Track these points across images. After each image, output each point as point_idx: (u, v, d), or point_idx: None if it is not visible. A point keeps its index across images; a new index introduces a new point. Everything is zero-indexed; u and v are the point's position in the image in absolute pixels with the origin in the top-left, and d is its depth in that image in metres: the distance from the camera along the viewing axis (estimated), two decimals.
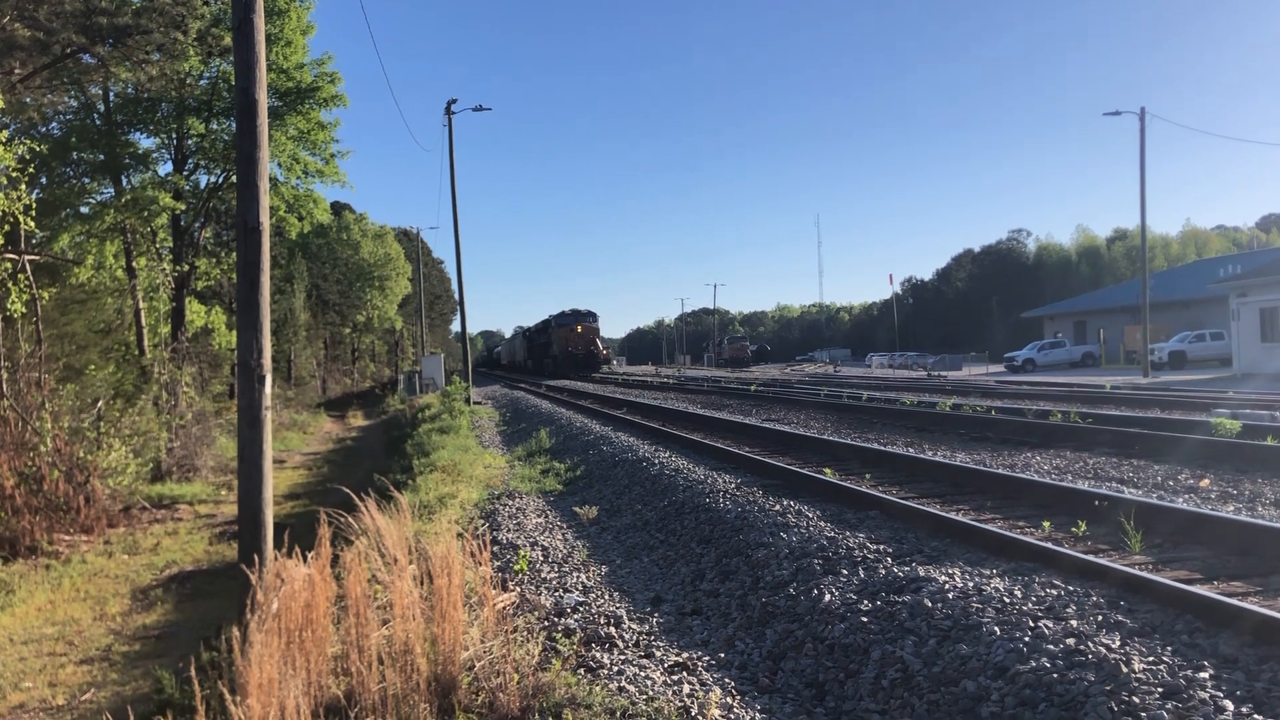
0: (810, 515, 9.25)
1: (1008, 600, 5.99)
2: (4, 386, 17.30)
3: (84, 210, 29.01)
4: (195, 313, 33.14)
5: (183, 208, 30.43)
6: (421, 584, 5.80)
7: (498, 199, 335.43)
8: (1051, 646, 5.17)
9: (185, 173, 31.43)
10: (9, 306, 17.48)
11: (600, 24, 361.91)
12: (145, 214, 28.36)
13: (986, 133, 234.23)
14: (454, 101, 37.89)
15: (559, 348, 62.01)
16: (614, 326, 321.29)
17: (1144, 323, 42.34)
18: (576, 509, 12.27)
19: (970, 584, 6.42)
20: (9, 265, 17.89)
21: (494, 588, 6.04)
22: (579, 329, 61.70)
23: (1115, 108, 43.41)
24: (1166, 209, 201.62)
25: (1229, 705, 4.39)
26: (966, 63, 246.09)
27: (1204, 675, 4.69)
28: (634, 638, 6.87)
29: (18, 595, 12.49)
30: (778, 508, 9.68)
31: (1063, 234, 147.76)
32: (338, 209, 64.89)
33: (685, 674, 6.11)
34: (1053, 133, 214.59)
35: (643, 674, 5.95)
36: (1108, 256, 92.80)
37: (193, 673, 4.72)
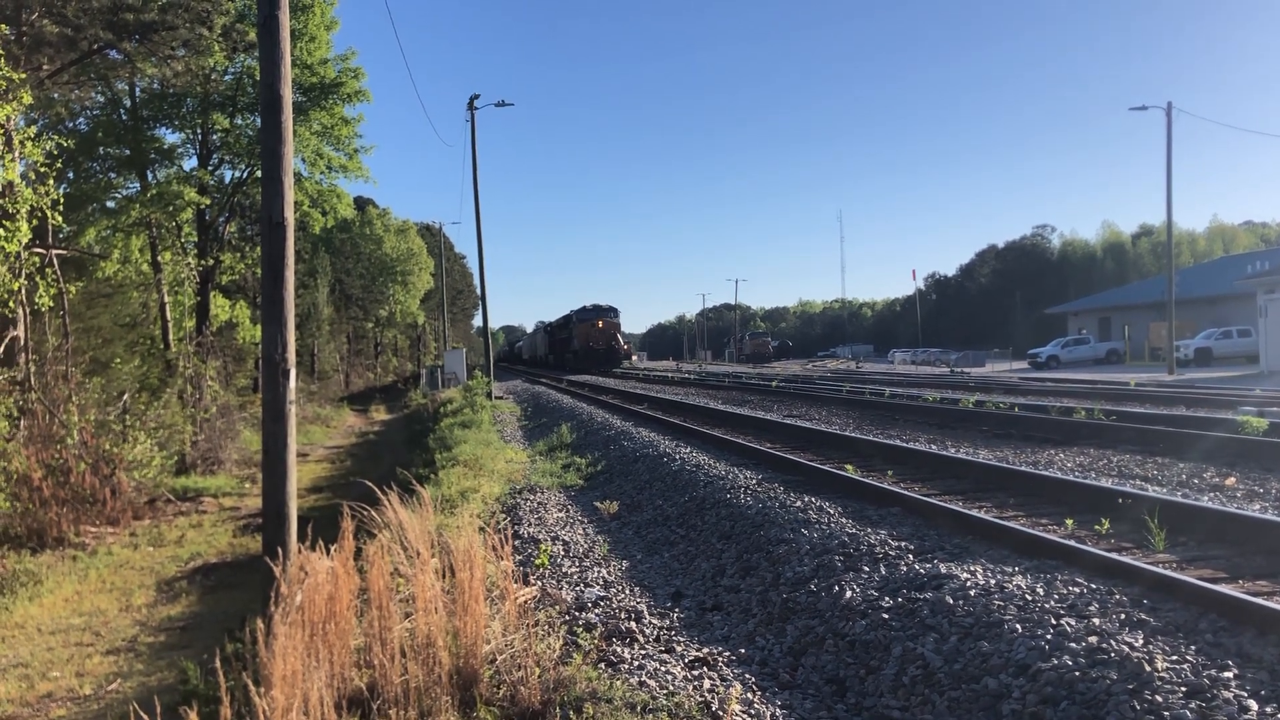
0: (832, 511, 9.24)
1: (1030, 598, 5.97)
2: (32, 379, 17.49)
3: (110, 205, 29.28)
4: (220, 307, 33.38)
5: (207, 202, 30.65)
6: (444, 577, 5.84)
7: (519, 193, 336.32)
8: (1074, 645, 5.15)
9: (210, 168, 31.66)
10: (37, 300, 17.66)
11: (622, 16, 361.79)
12: (170, 209, 28.59)
13: (1011, 127, 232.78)
14: (476, 97, 38.02)
15: (580, 343, 62.05)
16: (635, 322, 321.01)
17: (1169, 319, 41.98)
18: (598, 504, 12.30)
19: (992, 581, 6.39)
20: (37, 259, 18.07)
21: (515, 582, 6.07)
22: (600, 324, 61.72)
23: (1140, 100, 43.10)
24: (1193, 204, 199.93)
25: (1253, 705, 4.36)
26: (990, 56, 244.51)
27: (1228, 675, 4.65)
28: (655, 633, 6.88)
29: (45, 586, 12.64)
30: (799, 504, 9.67)
31: (1088, 230, 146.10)
32: (361, 204, 65.24)
33: (706, 669, 6.11)
34: (1078, 127, 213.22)
35: (663, 669, 5.96)
36: (1133, 252, 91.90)
37: (217, 664, 4.76)
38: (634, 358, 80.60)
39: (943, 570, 6.78)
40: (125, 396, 20.32)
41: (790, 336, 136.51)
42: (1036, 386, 29.08)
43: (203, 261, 31.20)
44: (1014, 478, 10.42)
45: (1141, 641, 5.12)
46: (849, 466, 11.85)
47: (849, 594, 6.84)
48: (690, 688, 5.65)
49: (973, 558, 7.20)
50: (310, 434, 34.56)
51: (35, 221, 16.98)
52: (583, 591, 7.93)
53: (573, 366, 62.06)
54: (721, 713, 5.26)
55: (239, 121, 30.98)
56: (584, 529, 11.09)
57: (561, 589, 7.94)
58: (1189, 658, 4.90)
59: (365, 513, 6.96)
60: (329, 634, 5.25)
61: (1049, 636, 5.32)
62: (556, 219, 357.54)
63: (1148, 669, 4.74)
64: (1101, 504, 8.64)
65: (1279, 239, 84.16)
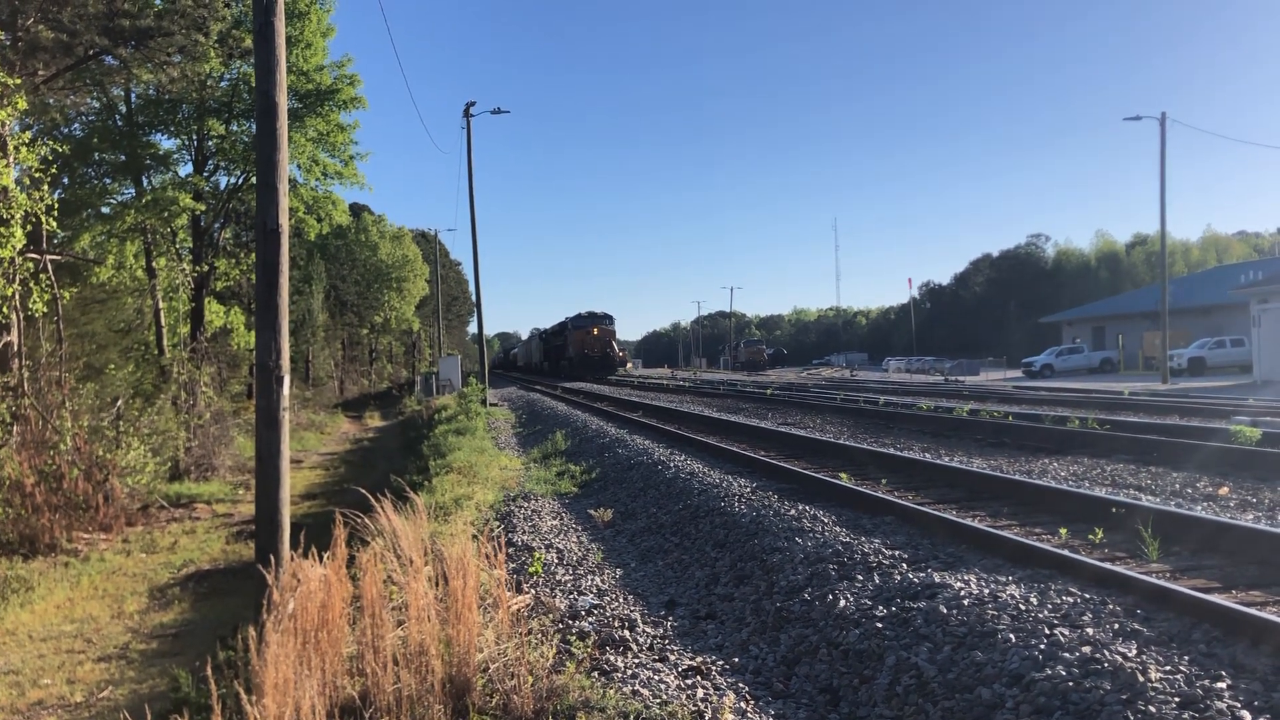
0: (825, 520, 9.24)
1: (1024, 607, 5.97)
2: (25, 385, 17.45)
3: (105, 210, 29.25)
4: (214, 313, 33.34)
5: (203, 208, 30.63)
6: (437, 585, 5.82)
7: (515, 199, 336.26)
8: (1067, 654, 5.15)
9: (205, 174, 31.64)
10: (31, 305, 17.63)
11: (617, 24, 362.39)
12: (165, 215, 28.56)
13: (1005, 136, 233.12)
14: (472, 104, 37.96)
15: (575, 350, 62.07)
16: (630, 329, 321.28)
17: (1163, 328, 42.09)
18: (591, 511, 12.28)
19: (986, 591, 6.39)
20: (31, 265, 18.04)
21: (509, 590, 6.06)
22: (595, 331, 61.76)
23: (1135, 110, 43.29)
24: (1187, 214, 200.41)
25: (1246, 716, 4.36)
26: (985, 67, 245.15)
27: (1221, 685, 4.66)
28: (648, 641, 6.87)
29: (37, 592, 12.60)
30: (793, 512, 9.67)
31: (1082, 239, 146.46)
32: (356, 210, 65.20)
33: (699, 678, 6.10)
34: (1072, 137, 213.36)
35: (657, 678, 5.95)
36: (1127, 262, 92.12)
37: (209, 672, 4.75)
38: (629, 365, 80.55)
39: (936, 579, 6.78)
40: (119, 402, 20.28)
41: (785, 344, 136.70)
42: (1030, 395, 29.11)
43: (197, 267, 31.17)
44: (1008, 486, 10.42)
45: (1135, 651, 5.12)
46: (843, 475, 11.85)
47: (843, 603, 6.84)
48: (683, 697, 5.64)
49: (966, 567, 7.20)
50: (304, 440, 34.51)
51: (29, 227, 16.96)
52: (576, 599, 7.92)
53: (568, 373, 62.07)
54: None
55: (234, 128, 30.97)
56: (578, 537, 11.07)
57: (555, 597, 7.92)
58: (1183, 668, 4.90)
59: (359, 520, 6.94)
60: (321, 642, 5.23)
61: (1043, 646, 5.32)
62: (552, 226, 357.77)
63: (1141, 679, 4.74)
64: (1095, 513, 8.65)
65: (1272, 249, 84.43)
